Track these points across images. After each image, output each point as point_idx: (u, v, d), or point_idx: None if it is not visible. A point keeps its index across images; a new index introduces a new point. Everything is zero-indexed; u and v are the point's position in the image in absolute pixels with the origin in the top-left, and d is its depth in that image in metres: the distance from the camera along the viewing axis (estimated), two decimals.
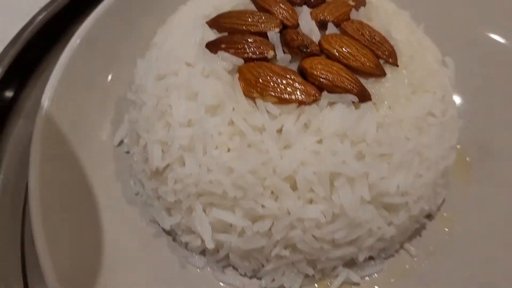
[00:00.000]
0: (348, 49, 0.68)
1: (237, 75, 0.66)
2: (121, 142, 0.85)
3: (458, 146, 0.82)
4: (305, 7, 0.74)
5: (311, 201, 0.65)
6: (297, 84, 0.65)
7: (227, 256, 0.72)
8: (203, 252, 0.75)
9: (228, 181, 0.64)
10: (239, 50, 0.68)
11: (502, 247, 0.76)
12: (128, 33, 0.93)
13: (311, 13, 0.73)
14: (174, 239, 0.77)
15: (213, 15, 0.74)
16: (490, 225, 0.79)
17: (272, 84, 0.65)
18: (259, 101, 0.65)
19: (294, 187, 0.64)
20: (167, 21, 0.83)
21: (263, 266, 0.72)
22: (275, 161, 0.63)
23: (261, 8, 0.74)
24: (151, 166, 0.71)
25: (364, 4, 0.76)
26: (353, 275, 0.73)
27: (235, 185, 0.64)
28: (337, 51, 0.68)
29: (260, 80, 0.65)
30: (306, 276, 0.72)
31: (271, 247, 0.68)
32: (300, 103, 0.64)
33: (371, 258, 0.75)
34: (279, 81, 0.65)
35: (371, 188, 0.65)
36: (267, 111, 0.64)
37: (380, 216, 0.68)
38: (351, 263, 0.74)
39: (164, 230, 0.77)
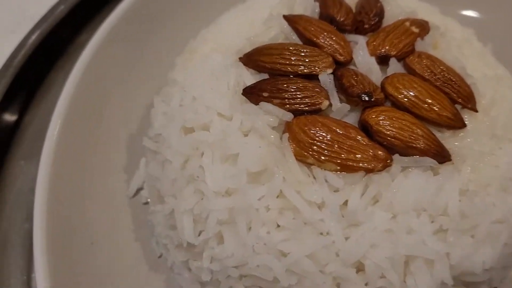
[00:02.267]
0: (418, 95, 0.55)
1: (286, 135, 0.53)
2: (137, 192, 0.72)
3: None
4: (359, 38, 0.61)
5: None
6: (362, 147, 0.52)
7: None
8: None
9: (281, 267, 0.53)
10: (286, 101, 0.55)
11: None
12: (133, 58, 0.79)
13: (367, 44, 0.60)
14: None
15: (247, 49, 0.61)
16: None
17: (331, 146, 0.52)
18: (315, 169, 0.52)
19: (360, 273, 0.52)
20: (186, 50, 0.69)
21: None
22: (339, 244, 0.51)
23: (306, 40, 0.60)
24: (181, 239, 0.58)
25: (428, 30, 0.62)
26: None
27: (289, 271, 0.53)
28: (406, 98, 0.55)
29: (316, 142, 0.52)
30: None
31: None
32: (368, 171, 0.51)
33: None
34: (340, 142, 0.52)
35: (453, 269, 0.53)
36: (327, 182, 0.52)
37: None
38: None
39: None
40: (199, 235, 0.58)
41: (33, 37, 0.84)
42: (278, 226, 0.54)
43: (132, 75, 0.77)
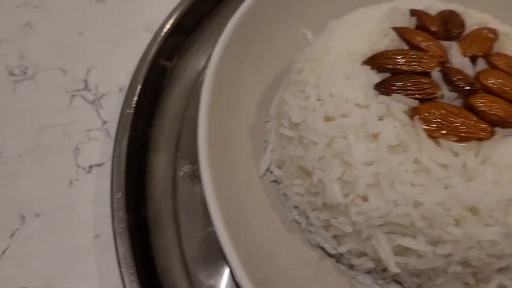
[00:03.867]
0: (505, 83, 0.75)
1: (416, 116, 0.73)
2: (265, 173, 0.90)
3: None
4: (452, 43, 0.81)
5: (487, 225, 0.73)
6: (473, 122, 0.72)
7: (396, 274, 0.80)
8: (369, 271, 0.83)
9: (417, 213, 0.71)
10: (411, 92, 0.74)
11: None
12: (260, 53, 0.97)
13: (460, 48, 0.80)
14: (338, 261, 0.84)
15: (368, 55, 0.80)
16: None
17: (451, 123, 0.71)
18: (442, 141, 0.72)
19: (475, 215, 0.72)
20: (304, 57, 0.88)
21: (429, 279, 0.80)
22: (461, 194, 0.71)
23: (413, 46, 0.80)
24: (329, 201, 0.77)
25: (498, 36, 0.83)
26: (503, 279, 0.82)
27: (424, 217, 0.71)
28: (498, 87, 0.75)
29: (440, 120, 0.72)
30: (466, 284, 0.81)
31: (447, 265, 0.76)
32: (479, 139, 0.71)
33: None
34: (457, 119, 0.72)
35: None
36: (450, 149, 0.71)
37: None
38: (502, 268, 0.83)
39: (327, 253, 0.84)
40: (347, 197, 0.76)
41: None
42: (413, 184, 0.73)
43: (254, 75, 0.95)
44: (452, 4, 0.91)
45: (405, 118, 0.73)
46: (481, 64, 0.79)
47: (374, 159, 0.73)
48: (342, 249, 0.80)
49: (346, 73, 0.79)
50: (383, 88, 0.75)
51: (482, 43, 0.80)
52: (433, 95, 0.74)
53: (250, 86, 0.98)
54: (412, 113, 0.74)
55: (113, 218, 0.80)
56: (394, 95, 0.74)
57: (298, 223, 0.87)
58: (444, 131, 0.71)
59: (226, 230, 0.72)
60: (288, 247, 0.84)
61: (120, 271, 0.76)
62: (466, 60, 0.78)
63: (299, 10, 1.06)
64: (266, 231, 0.84)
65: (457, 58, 0.78)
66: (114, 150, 0.87)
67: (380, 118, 0.75)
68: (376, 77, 0.77)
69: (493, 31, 0.83)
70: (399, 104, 0.74)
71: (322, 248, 0.84)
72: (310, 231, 0.85)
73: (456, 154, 0.71)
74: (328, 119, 0.78)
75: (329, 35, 0.88)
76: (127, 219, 0.81)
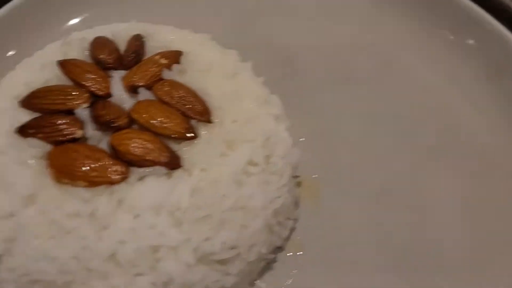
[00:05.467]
0: (156, 117, 0.69)
1: (46, 163, 0.66)
2: None
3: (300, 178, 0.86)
4: (116, 72, 0.74)
5: (139, 274, 0.66)
6: (104, 165, 0.65)
7: None
8: None
9: (54, 268, 0.65)
10: (48, 134, 0.68)
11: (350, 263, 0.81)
12: None
13: (123, 78, 0.73)
14: None
15: (25, 93, 0.73)
16: (338, 242, 0.83)
17: (80, 168, 0.65)
18: (69, 188, 0.65)
19: (118, 266, 0.66)
20: None
21: None
22: (94, 244, 0.64)
23: (73, 81, 0.73)
24: None
25: (177, 60, 0.76)
26: None
27: (62, 271, 0.65)
28: (145, 120, 0.68)
29: (68, 166, 0.65)
30: None
31: None
32: (110, 183, 0.65)
33: None
34: (88, 163, 0.65)
35: (197, 251, 0.67)
36: (79, 196, 0.65)
37: (214, 271, 0.70)
38: None
39: None
40: None
41: None
42: (50, 238, 0.67)
43: None
44: (155, 26, 0.85)
45: (39, 165, 0.66)
46: (145, 94, 0.72)
47: (13, 212, 0.67)
48: None
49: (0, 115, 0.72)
50: (21, 131, 0.68)
51: (147, 71, 0.73)
52: (71, 136, 0.67)
53: None
54: (46, 158, 0.67)
55: None
56: (29, 139, 0.67)
57: None
58: (74, 177, 0.65)
59: None
60: None
61: None
62: (124, 93, 0.71)
63: None
64: None
65: (117, 91, 0.71)
66: None
67: (20, 165, 0.68)
68: (27, 119, 0.71)
69: (171, 55, 0.76)
70: (33, 149, 0.67)
71: None
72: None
73: (86, 201, 0.65)
74: None
75: (12, 71, 0.81)
76: None
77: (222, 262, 0.71)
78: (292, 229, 0.85)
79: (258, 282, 0.80)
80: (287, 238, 0.84)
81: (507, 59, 0.95)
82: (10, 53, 0.99)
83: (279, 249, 0.83)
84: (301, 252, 0.84)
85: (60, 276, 0.65)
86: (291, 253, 0.84)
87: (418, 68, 1.03)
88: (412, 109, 0.98)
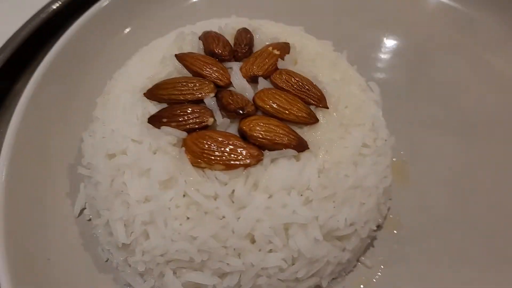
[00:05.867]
0: (280, 103, 0.73)
1: (182, 149, 0.70)
2: (81, 212, 0.88)
3: (394, 159, 0.90)
4: (234, 64, 0.78)
5: (271, 251, 0.71)
6: (239, 149, 0.70)
7: None
8: None
9: (193, 248, 0.69)
10: (181, 122, 0.72)
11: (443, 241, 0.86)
12: (66, 99, 0.95)
13: (241, 69, 0.77)
14: None
15: (149, 86, 0.77)
16: (431, 220, 0.88)
17: (217, 152, 0.69)
18: (207, 171, 0.69)
19: (254, 243, 0.70)
20: (104, 91, 0.85)
21: None
22: (232, 223, 0.69)
23: (194, 72, 0.78)
24: (117, 242, 0.74)
25: (288, 51, 0.80)
26: None
27: (200, 250, 0.69)
28: (271, 107, 0.73)
29: (205, 150, 0.69)
30: None
31: None
32: (246, 166, 0.69)
33: (334, 279, 0.82)
34: (223, 148, 0.70)
35: (322, 228, 0.71)
36: (217, 179, 0.69)
37: (335, 247, 0.75)
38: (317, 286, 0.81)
39: None
40: (129, 236, 0.74)
41: None
42: (188, 218, 0.71)
43: (67, 114, 0.93)
44: (255, 20, 0.89)
45: (175, 151, 0.71)
46: (263, 83, 0.76)
47: (148, 196, 0.71)
48: (145, 286, 0.78)
49: (126, 107, 0.77)
50: (153, 121, 0.73)
51: (264, 62, 0.78)
52: (204, 124, 0.71)
53: (70, 121, 0.95)
54: (182, 145, 0.71)
55: None
56: (163, 127, 0.71)
57: (111, 262, 0.84)
58: (212, 161, 0.69)
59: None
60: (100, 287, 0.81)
61: None
62: (245, 82, 0.76)
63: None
64: (77, 274, 0.81)
65: (238, 80, 0.76)
66: None
67: (155, 153, 0.72)
68: (154, 109, 0.75)
69: (281, 47, 0.81)
70: (168, 136, 0.71)
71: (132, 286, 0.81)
72: (120, 270, 0.82)
73: (223, 184, 0.69)
74: (110, 156, 0.76)
75: (123, 68, 0.85)
76: None
77: (341, 238, 0.76)
78: (388, 209, 0.90)
79: (362, 259, 0.85)
80: (385, 217, 0.89)
81: None
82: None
83: (378, 227, 0.88)
84: (396, 231, 0.89)
85: (198, 255, 0.70)
86: (389, 231, 0.88)
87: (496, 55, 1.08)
88: (496, 95, 1.02)
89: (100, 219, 0.78)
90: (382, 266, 0.85)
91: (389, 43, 1.11)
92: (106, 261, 0.85)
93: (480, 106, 1.02)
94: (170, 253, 0.71)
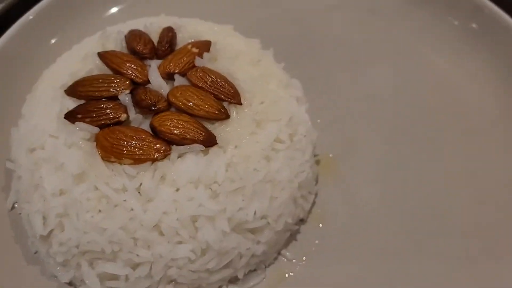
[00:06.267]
0: (192, 100, 0.76)
1: (94, 144, 0.73)
2: (13, 206, 0.91)
3: (318, 155, 0.93)
4: (153, 61, 0.81)
5: (180, 242, 0.73)
6: (147, 144, 0.72)
7: None
8: None
9: (103, 239, 0.72)
10: (94, 118, 0.75)
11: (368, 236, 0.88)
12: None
13: (159, 66, 0.80)
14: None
15: (70, 82, 0.80)
16: (357, 215, 0.90)
17: (126, 147, 0.72)
18: (116, 165, 0.72)
19: (162, 234, 0.73)
20: (32, 88, 0.88)
21: None
22: (140, 216, 0.71)
23: (113, 70, 0.80)
24: (35, 233, 0.77)
25: (208, 49, 0.83)
26: None
27: (110, 241, 0.72)
28: (182, 103, 0.75)
29: (115, 145, 0.72)
30: None
31: (156, 285, 0.76)
32: (153, 160, 0.72)
33: (254, 270, 0.85)
34: (132, 143, 0.72)
35: (231, 220, 0.74)
36: (125, 173, 0.72)
37: (247, 239, 0.77)
38: (235, 279, 0.83)
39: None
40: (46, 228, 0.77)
41: None
42: (100, 211, 0.74)
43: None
44: (182, 19, 0.91)
45: (88, 146, 0.73)
46: (180, 80, 0.79)
47: (63, 190, 0.74)
48: (66, 277, 0.80)
49: (47, 103, 0.79)
50: (69, 117, 0.75)
51: (181, 60, 0.80)
52: (116, 119, 0.74)
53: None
54: (94, 139, 0.74)
55: None
56: (77, 123, 0.74)
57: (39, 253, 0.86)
58: (121, 156, 0.72)
59: None
60: (27, 279, 0.84)
61: None
62: (161, 79, 0.78)
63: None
64: (2, 265, 0.84)
65: (155, 77, 0.78)
66: None
67: (70, 147, 0.75)
68: (73, 105, 0.78)
69: (202, 45, 0.83)
70: (81, 132, 0.74)
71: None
72: (46, 262, 0.85)
73: (132, 177, 0.72)
74: (31, 151, 0.78)
75: (52, 65, 0.88)
76: None
77: (253, 231, 0.78)
78: (313, 203, 0.92)
79: (283, 251, 0.87)
80: (309, 211, 0.91)
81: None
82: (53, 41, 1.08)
83: (302, 221, 0.90)
84: (321, 225, 0.91)
85: (109, 246, 0.72)
86: (313, 225, 0.91)
87: (429, 52, 1.10)
88: (426, 91, 1.04)
89: (23, 212, 0.81)
90: (304, 258, 0.87)
91: (323, 40, 1.13)
92: (35, 253, 0.87)
93: (412, 102, 1.04)
94: (83, 244, 0.73)
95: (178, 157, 0.73)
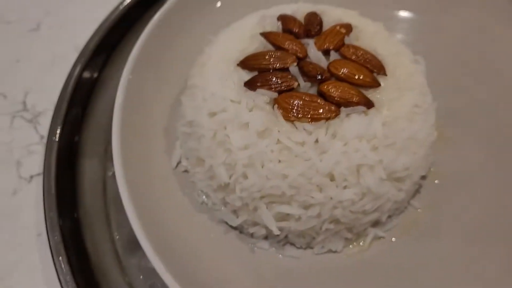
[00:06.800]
0: (350, 70, 0.92)
1: (276, 106, 0.89)
2: (177, 165, 1.07)
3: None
4: (309, 40, 0.97)
5: (345, 187, 0.90)
6: (321, 106, 0.88)
7: (286, 237, 0.97)
8: (266, 237, 0.99)
9: (285, 184, 0.88)
10: (272, 86, 0.90)
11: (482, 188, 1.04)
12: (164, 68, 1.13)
13: (315, 44, 0.96)
14: (241, 232, 1.01)
15: (241, 58, 0.96)
16: (466, 174, 1.06)
17: (303, 108, 0.88)
18: (296, 123, 0.88)
19: (333, 180, 0.89)
20: (197, 63, 1.04)
21: (314, 238, 0.97)
22: (317, 164, 0.87)
23: (277, 47, 0.96)
24: (219, 182, 0.93)
25: (351, 30, 0.99)
26: (378, 232, 0.99)
27: (290, 186, 0.88)
28: (343, 73, 0.91)
29: (294, 107, 0.88)
30: (346, 239, 0.98)
31: (320, 224, 0.93)
32: (327, 119, 0.88)
33: (389, 216, 1.01)
34: (308, 105, 0.88)
35: (385, 170, 0.89)
36: (304, 129, 0.88)
37: (393, 187, 0.93)
38: (376, 223, 1.00)
39: (231, 227, 1.01)
40: (230, 177, 0.93)
41: None
42: (280, 161, 0.90)
43: (165, 81, 1.11)
44: (318, 6, 1.07)
45: (268, 108, 0.89)
46: (334, 56, 0.95)
47: (247, 144, 0.90)
48: (238, 221, 0.96)
49: (223, 75, 0.95)
50: (249, 85, 0.91)
51: (334, 38, 0.96)
52: (290, 87, 0.90)
53: (163, 91, 1.13)
54: (274, 103, 0.90)
55: (45, 216, 0.96)
56: (259, 90, 0.90)
57: (206, 204, 1.03)
58: (299, 115, 0.88)
59: (136, 217, 0.88)
60: (198, 225, 1.00)
61: (53, 260, 0.92)
62: (320, 54, 0.94)
63: (204, 19, 1.23)
64: (178, 214, 1.00)
65: (314, 53, 0.94)
66: (44, 160, 1.03)
67: (250, 110, 0.91)
68: (247, 76, 0.93)
69: (346, 26, 0.99)
70: (263, 97, 0.90)
71: (226, 223, 1.00)
72: (215, 210, 1.01)
73: (309, 133, 0.88)
74: (211, 115, 0.94)
75: (213, 43, 1.04)
76: (57, 216, 0.97)
77: (398, 180, 0.94)
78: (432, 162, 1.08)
79: (411, 201, 1.04)
80: (429, 169, 1.08)
81: None
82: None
83: (423, 177, 1.06)
84: (437, 181, 1.07)
85: (289, 189, 0.88)
86: (431, 179, 1.07)
87: None
88: None
89: (203, 166, 0.97)
90: (427, 210, 1.03)
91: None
92: (202, 203, 1.03)
93: None
94: (265, 189, 0.89)
95: (345, 117, 0.89)
